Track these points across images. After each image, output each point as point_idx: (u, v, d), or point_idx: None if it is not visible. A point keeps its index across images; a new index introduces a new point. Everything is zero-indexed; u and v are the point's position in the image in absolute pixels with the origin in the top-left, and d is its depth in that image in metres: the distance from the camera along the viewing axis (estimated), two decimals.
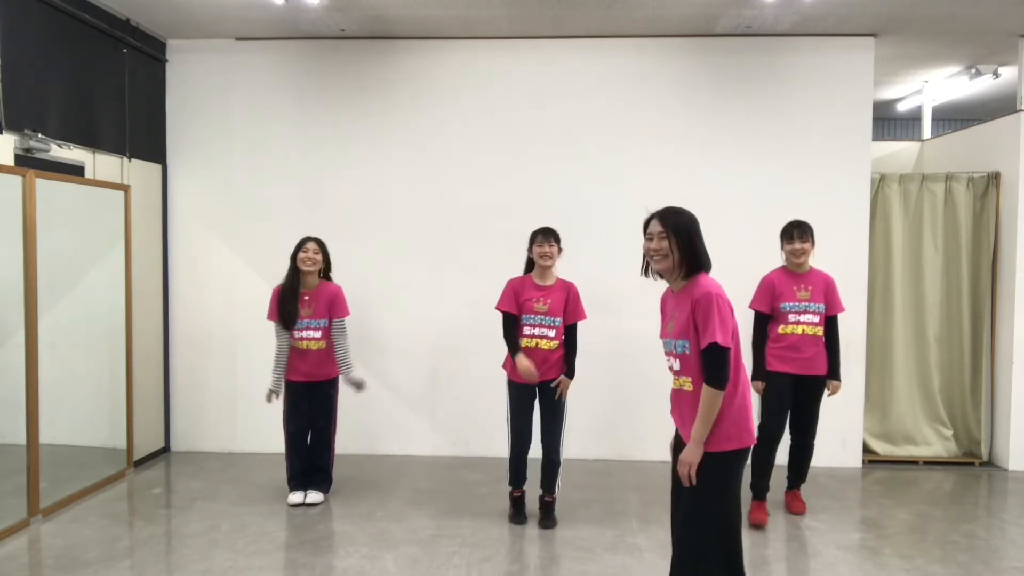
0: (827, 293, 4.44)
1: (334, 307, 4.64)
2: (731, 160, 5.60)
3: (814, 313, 4.41)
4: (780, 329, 4.44)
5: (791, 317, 4.42)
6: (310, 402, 4.66)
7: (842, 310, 4.50)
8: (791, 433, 4.59)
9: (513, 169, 5.69)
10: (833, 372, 4.48)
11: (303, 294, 4.60)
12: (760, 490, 4.46)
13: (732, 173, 5.60)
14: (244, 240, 5.77)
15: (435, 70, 5.70)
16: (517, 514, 4.40)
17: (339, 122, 5.76)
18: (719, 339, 2.59)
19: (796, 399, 4.49)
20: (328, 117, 5.76)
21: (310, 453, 4.73)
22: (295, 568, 3.77)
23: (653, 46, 5.63)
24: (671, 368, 2.83)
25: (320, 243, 4.68)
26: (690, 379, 2.72)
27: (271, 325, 4.66)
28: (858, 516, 4.63)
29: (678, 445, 2.86)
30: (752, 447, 4.46)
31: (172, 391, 5.90)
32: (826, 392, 4.51)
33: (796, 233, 4.43)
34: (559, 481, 4.38)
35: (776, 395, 4.46)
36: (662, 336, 2.89)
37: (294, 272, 4.60)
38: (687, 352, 2.71)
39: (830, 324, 4.47)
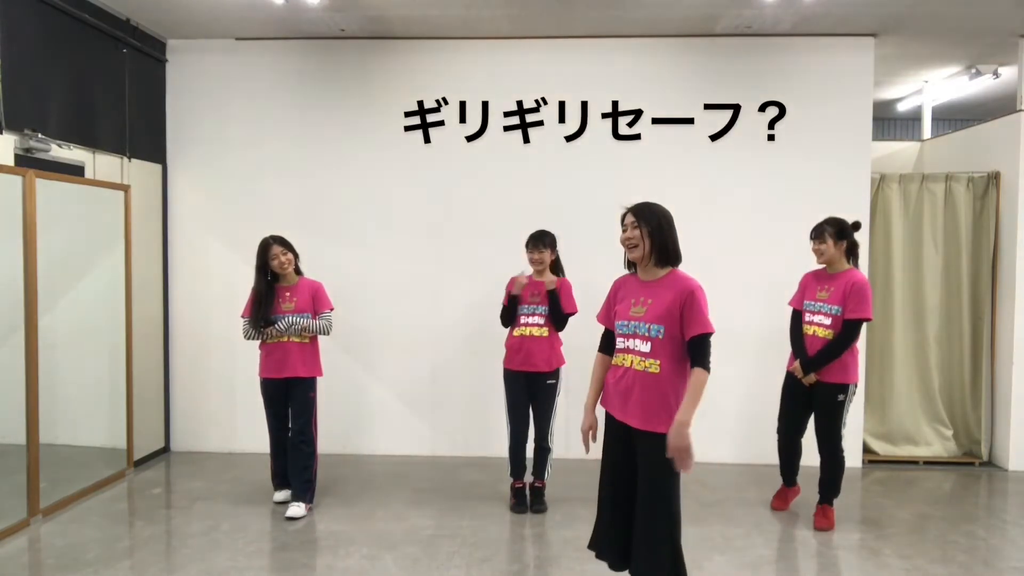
0: (847, 296, 4.17)
1: (318, 301, 4.56)
2: (731, 160, 5.60)
3: (826, 315, 4.25)
4: None
5: (807, 316, 4.37)
6: (287, 401, 4.54)
7: (862, 315, 4.17)
8: (817, 444, 4.43)
9: (513, 169, 5.68)
10: (810, 364, 4.26)
11: (283, 289, 4.53)
12: (784, 475, 4.67)
13: (732, 173, 5.60)
14: (244, 240, 5.73)
15: (435, 70, 5.70)
16: (519, 504, 4.62)
17: (339, 122, 5.76)
18: (712, 328, 2.83)
19: (813, 406, 4.39)
20: (328, 117, 5.76)
21: (289, 458, 4.57)
22: (295, 568, 3.77)
23: (653, 46, 5.63)
24: (632, 349, 2.93)
25: (282, 241, 4.54)
26: (658, 362, 2.86)
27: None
28: (858, 516, 4.63)
29: (613, 428, 3.04)
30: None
31: (172, 391, 5.90)
32: (798, 371, 4.34)
33: (813, 234, 4.39)
34: (549, 468, 4.64)
35: (786, 391, 4.55)
36: (623, 318, 2.98)
37: (267, 277, 4.49)
38: (661, 336, 2.86)
39: (844, 327, 4.18)
